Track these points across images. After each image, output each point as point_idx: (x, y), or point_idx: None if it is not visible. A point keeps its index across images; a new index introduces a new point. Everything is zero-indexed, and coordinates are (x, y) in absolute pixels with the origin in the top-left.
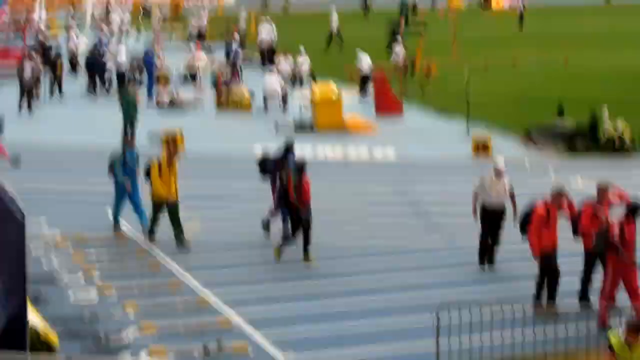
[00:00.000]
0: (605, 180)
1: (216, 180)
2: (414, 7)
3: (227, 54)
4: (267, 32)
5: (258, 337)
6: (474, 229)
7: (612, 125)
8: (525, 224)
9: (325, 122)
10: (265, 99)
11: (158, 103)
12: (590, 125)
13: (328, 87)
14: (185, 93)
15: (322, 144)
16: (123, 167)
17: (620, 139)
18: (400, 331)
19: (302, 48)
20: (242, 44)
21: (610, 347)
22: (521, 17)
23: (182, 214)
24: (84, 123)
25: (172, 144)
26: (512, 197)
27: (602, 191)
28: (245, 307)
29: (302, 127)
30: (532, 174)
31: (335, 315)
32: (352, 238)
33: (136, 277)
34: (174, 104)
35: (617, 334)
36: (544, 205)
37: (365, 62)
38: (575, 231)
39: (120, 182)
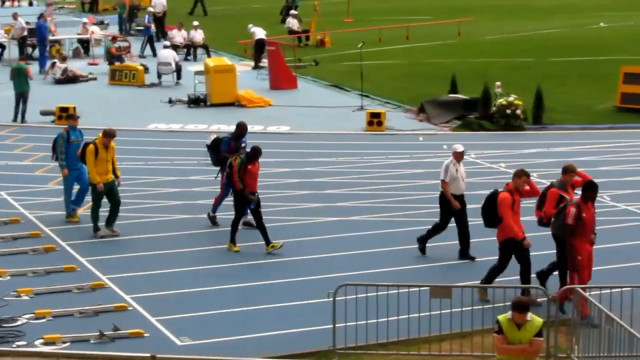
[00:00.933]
0: (569, 163)
1: None
2: None
3: (120, 27)
4: (158, 4)
5: (154, 322)
6: (368, 204)
7: (504, 100)
8: (488, 211)
9: (219, 96)
10: (158, 73)
11: (47, 75)
12: (483, 99)
13: (222, 61)
14: (78, 66)
15: (217, 119)
16: (67, 150)
17: (513, 113)
18: (299, 312)
19: (195, 22)
20: (135, 15)
21: (499, 329)
22: None
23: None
24: None
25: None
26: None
27: (568, 173)
28: (142, 293)
29: (196, 102)
30: (426, 148)
31: (234, 300)
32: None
33: (31, 261)
34: (66, 77)
35: (505, 315)
36: (508, 190)
37: (259, 34)
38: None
39: (61, 166)
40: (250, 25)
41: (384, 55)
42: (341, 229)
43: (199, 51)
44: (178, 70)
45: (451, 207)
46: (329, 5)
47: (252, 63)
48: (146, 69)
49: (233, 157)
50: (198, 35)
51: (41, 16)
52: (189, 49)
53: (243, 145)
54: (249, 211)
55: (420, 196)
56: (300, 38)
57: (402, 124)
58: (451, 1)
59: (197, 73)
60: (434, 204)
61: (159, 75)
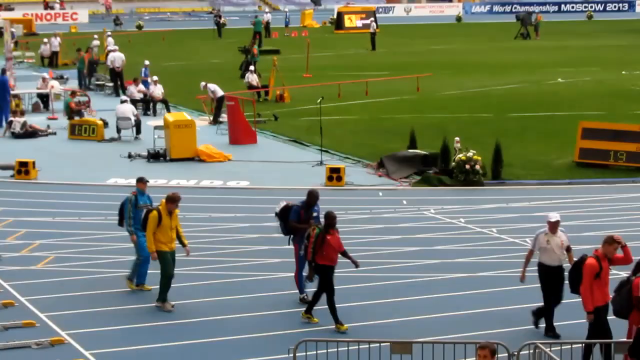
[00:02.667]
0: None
1: (68, 211)
2: (267, 26)
3: (80, 81)
4: (117, 59)
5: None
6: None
7: (463, 155)
8: (574, 276)
9: (179, 151)
10: (118, 128)
11: (6, 131)
12: (442, 154)
13: (181, 116)
14: (37, 121)
15: (177, 174)
16: (135, 215)
17: (472, 168)
18: None
19: (155, 77)
20: (94, 70)
21: None
22: (373, 37)
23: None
24: None
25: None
26: (569, 250)
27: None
28: (102, 349)
29: (155, 156)
30: (386, 204)
31: (196, 357)
32: (210, 270)
33: None
34: (25, 131)
35: None
36: (595, 257)
37: (220, 92)
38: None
39: (129, 232)
40: (204, 83)
41: (343, 110)
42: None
43: (159, 106)
44: (137, 124)
45: (540, 277)
46: (287, 60)
47: (211, 117)
48: (106, 124)
49: (311, 227)
50: (157, 90)
51: (4, 71)
52: (148, 104)
53: (315, 214)
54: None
55: (380, 251)
56: (260, 93)
57: (362, 179)
58: (408, 58)
59: (157, 128)
60: (393, 259)
61: (119, 130)
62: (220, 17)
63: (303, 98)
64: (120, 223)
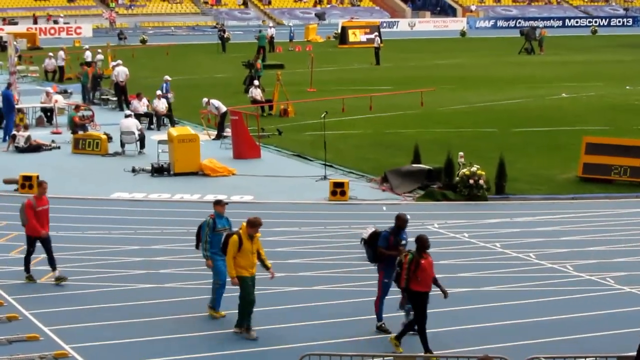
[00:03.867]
0: None
1: (72, 225)
2: (271, 40)
3: (84, 96)
4: (120, 74)
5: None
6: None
7: (467, 170)
8: None
9: (182, 165)
10: (121, 142)
11: (9, 146)
12: (446, 169)
13: (185, 131)
14: (41, 135)
15: (181, 188)
16: (212, 239)
17: (476, 183)
18: None
19: (159, 91)
20: (98, 84)
21: None
22: (377, 52)
23: None
24: None
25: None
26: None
27: None
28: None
29: (159, 171)
30: (389, 218)
31: None
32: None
33: None
34: (29, 146)
35: None
36: None
37: (220, 107)
38: None
39: (205, 257)
40: (207, 99)
41: (347, 125)
42: (304, 299)
43: (163, 120)
44: (141, 139)
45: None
46: (291, 75)
47: (209, 131)
48: (109, 138)
49: (402, 254)
50: (161, 104)
51: (9, 85)
52: (152, 118)
53: (403, 242)
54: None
55: None
56: (264, 108)
57: (365, 193)
58: (412, 72)
59: (161, 142)
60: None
61: (122, 144)
62: (224, 31)
63: (307, 112)
64: (197, 246)
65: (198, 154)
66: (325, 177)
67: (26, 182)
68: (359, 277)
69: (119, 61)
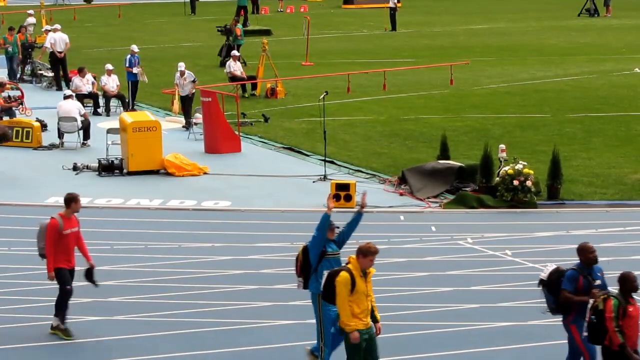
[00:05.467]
0: None
1: None
2: (255, 1)
3: (10, 70)
4: (58, 42)
5: None
6: None
7: (510, 168)
8: None
9: (139, 161)
10: (60, 131)
11: None
12: (483, 167)
13: (142, 116)
14: None
15: (137, 192)
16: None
17: (522, 185)
18: None
19: (108, 65)
20: (29, 56)
21: None
22: (393, 14)
23: None
24: None
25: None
26: None
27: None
28: None
29: (109, 169)
30: (409, 231)
31: None
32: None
33: None
34: None
35: None
36: None
37: (187, 82)
38: None
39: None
40: (183, 67)
41: (354, 109)
42: (299, 336)
43: (113, 103)
44: (85, 127)
45: None
46: (281, 44)
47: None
48: (44, 126)
49: (599, 296)
50: (112, 82)
51: None
52: (98, 100)
53: (598, 281)
54: None
55: (402, 292)
56: (245, 86)
57: (378, 198)
58: (438, 41)
59: (111, 131)
60: (419, 303)
61: (61, 134)
62: None
63: (301, 93)
64: (299, 273)
65: (159, 147)
66: (325, 178)
67: None
68: (378, 306)
69: (57, 26)
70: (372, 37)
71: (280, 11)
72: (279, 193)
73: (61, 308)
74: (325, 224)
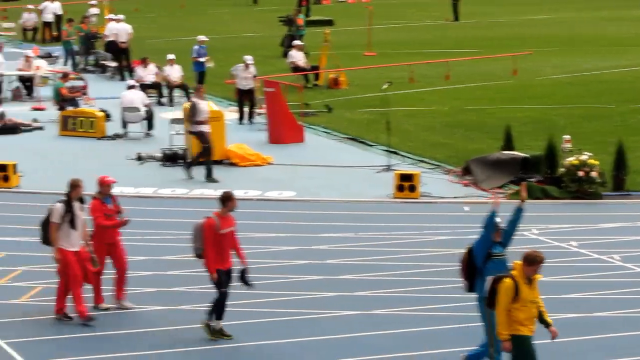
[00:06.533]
0: None
1: None
2: None
3: (74, 61)
4: (122, 32)
5: None
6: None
7: (575, 159)
8: None
9: None
10: (124, 121)
11: None
12: (547, 158)
13: (206, 107)
14: (19, 112)
15: (200, 182)
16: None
17: (587, 176)
18: None
19: (171, 55)
20: (92, 47)
21: None
22: (456, 4)
23: None
24: None
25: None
26: None
27: None
28: None
29: (172, 159)
30: (473, 222)
31: None
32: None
33: None
34: (4, 125)
35: None
36: None
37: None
38: None
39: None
40: (250, 60)
41: (417, 99)
42: (363, 326)
43: (176, 93)
44: (149, 117)
45: None
46: (344, 34)
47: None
48: (108, 116)
49: None
50: (175, 72)
51: None
52: (162, 90)
53: None
54: None
55: None
56: (308, 77)
57: (442, 189)
58: (501, 31)
59: (174, 121)
60: None
61: (125, 124)
62: None
63: (364, 83)
64: (468, 279)
65: (223, 137)
66: (388, 168)
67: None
68: (433, 298)
69: (120, 16)
70: (435, 27)
71: (342, 1)
72: (342, 183)
73: (218, 310)
74: (492, 222)
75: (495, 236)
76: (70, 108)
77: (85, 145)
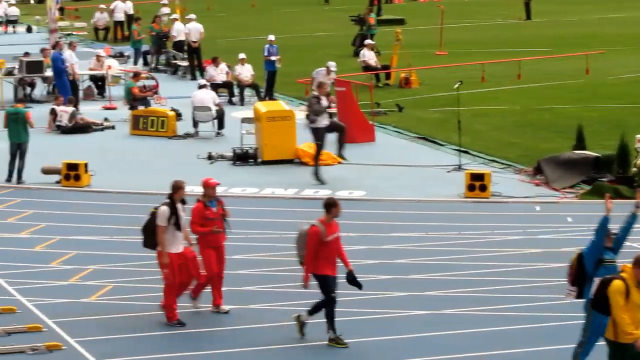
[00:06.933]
0: None
1: (130, 227)
2: None
3: (145, 60)
4: (193, 32)
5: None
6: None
7: None
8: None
9: (273, 151)
10: (194, 120)
11: (51, 126)
12: (619, 157)
13: (276, 106)
14: (90, 111)
15: (271, 181)
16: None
17: None
18: None
19: (242, 55)
20: (163, 46)
21: None
22: (528, 3)
23: None
24: None
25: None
26: None
27: None
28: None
29: (243, 158)
30: (544, 221)
31: None
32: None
33: None
34: (75, 125)
35: None
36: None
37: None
38: None
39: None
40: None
41: (488, 98)
42: (433, 326)
43: (247, 92)
44: (220, 117)
45: None
46: (415, 33)
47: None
48: (179, 115)
49: None
50: (246, 72)
51: (56, 45)
52: (233, 90)
53: None
54: None
55: (537, 284)
56: (379, 76)
57: (513, 189)
58: (573, 30)
59: (245, 121)
60: (556, 294)
61: (195, 124)
62: None
63: (435, 83)
64: (575, 283)
65: (293, 137)
66: (459, 167)
67: (71, 172)
68: (504, 298)
69: (192, 15)
70: (506, 26)
71: (414, 0)
72: (413, 183)
73: (329, 318)
74: (605, 226)
75: (606, 241)
76: (141, 107)
77: (156, 145)
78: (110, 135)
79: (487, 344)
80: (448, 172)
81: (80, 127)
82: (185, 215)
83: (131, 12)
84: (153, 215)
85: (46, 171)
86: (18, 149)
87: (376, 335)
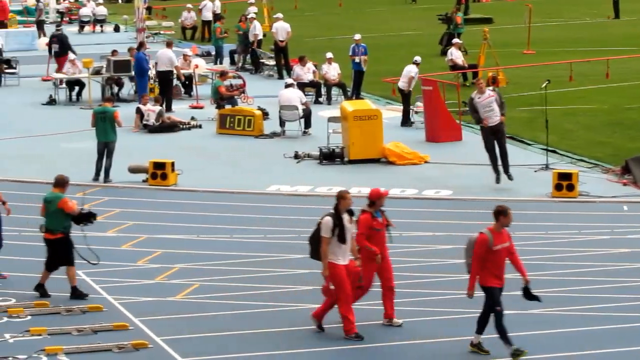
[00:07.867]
0: None
1: (217, 226)
2: None
3: (232, 60)
4: (280, 31)
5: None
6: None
7: None
8: None
9: (360, 150)
10: (281, 120)
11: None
12: None
13: (363, 105)
14: (177, 111)
15: (358, 180)
16: None
17: None
18: None
19: (329, 54)
20: (250, 46)
21: None
22: (616, 1)
23: None
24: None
25: None
26: None
27: None
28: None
29: (330, 157)
30: (633, 221)
31: None
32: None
33: None
34: (162, 124)
35: None
36: None
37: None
38: None
39: None
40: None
41: (576, 98)
42: (520, 326)
43: (334, 91)
44: (306, 116)
45: None
46: (503, 32)
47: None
48: (265, 114)
49: None
50: (332, 71)
51: (141, 46)
52: (320, 89)
53: None
54: None
55: (625, 284)
56: (466, 75)
57: (601, 188)
58: None
59: (332, 120)
60: None
61: (282, 123)
62: None
63: (523, 82)
64: None
65: (380, 136)
66: (547, 167)
67: (157, 171)
68: (594, 297)
69: (279, 15)
70: (595, 24)
71: None
72: (500, 182)
73: (501, 332)
74: None
75: None
76: (228, 106)
77: (242, 144)
78: (197, 134)
79: (577, 344)
80: (535, 171)
81: (167, 126)
82: (353, 228)
83: (219, 11)
84: (319, 226)
85: (133, 170)
86: (105, 148)
87: (465, 335)
